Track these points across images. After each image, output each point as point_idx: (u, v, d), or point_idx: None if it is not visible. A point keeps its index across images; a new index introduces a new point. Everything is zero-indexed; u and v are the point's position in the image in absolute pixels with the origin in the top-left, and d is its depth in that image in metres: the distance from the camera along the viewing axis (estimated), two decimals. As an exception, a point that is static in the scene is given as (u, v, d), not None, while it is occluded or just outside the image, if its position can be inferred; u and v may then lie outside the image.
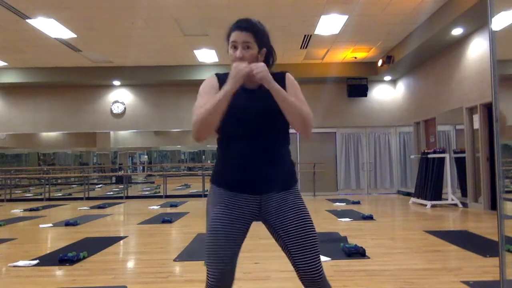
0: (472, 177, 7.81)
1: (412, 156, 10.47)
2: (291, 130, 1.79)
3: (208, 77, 1.78)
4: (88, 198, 11.27)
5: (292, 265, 1.71)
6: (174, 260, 4.01)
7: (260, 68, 1.59)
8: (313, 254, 1.66)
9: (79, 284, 3.30)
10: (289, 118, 1.65)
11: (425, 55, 9.10)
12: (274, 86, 1.60)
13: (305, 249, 1.66)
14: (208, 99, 1.62)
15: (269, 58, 1.79)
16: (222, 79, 1.72)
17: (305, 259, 1.65)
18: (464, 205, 7.95)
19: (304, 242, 1.66)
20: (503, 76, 2.23)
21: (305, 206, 1.72)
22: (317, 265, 1.67)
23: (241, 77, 1.59)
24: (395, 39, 9.03)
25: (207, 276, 1.63)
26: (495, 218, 2.28)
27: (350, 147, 11.62)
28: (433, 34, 7.65)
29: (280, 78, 1.74)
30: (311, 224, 1.69)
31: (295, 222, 1.67)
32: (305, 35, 8.64)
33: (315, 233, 1.70)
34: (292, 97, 1.65)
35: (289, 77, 1.77)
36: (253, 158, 1.67)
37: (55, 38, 8.43)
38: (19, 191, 13.11)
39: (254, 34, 1.69)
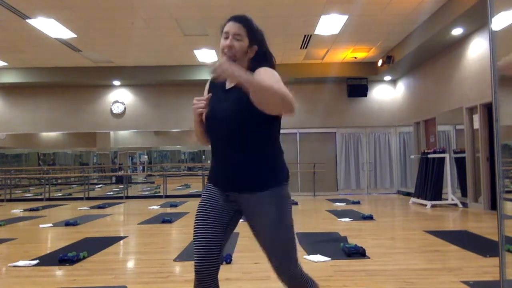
0: (472, 177, 7.81)
1: (412, 156, 10.47)
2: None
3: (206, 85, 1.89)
4: (88, 198, 11.27)
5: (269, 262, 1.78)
6: (174, 260, 4.01)
7: (219, 68, 1.52)
8: (278, 260, 1.72)
9: (79, 284, 3.30)
10: (269, 106, 1.58)
11: (425, 55, 9.10)
12: (240, 78, 1.52)
13: (271, 255, 1.72)
14: None
15: (261, 60, 1.76)
16: (213, 83, 1.83)
17: (273, 264, 1.73)
18: (464, 205, 7.95)
19: (270, 249, 1.72)
20: (503, 76, 2.23)
21: (278, 209, 1.70)
22: (282, 268, 1.73)
23: (196, 113, 1.76)
24: (395, 39, 9.03)
25: (194, 262, 1.71)
26: (495, 218, 2.28)
27: (350, 147, 11.62)
28: (433, 34, 7.65)
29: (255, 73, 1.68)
30: (281, 225, 1.70)
31: (265, 223, 1.71)
32: (305, 35, 8.64)
33: (285, 232, 1.72)
34: (263, 80, 1.57)
35: (259, 70, 1.70)
36: (224, 158, 1.73)
37: (55, 38, 8.43)
38: (19, 191, 13.11)
39: (247, 28, 1.73)
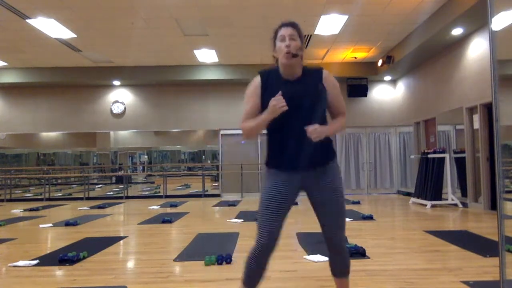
0: (472, 177, 7.81)
1: (412, 156, 10.47)
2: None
3: (254, 79, 2.14)
4: (88, 198, 11.27)
5: (323, 233, 2.17)
6: (174, 260, 4.01)
7: (315, 133, 1.94)
8: (339, 224, 2.15)
9: (79, 284, 3.30)
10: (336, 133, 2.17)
11: (425, 55, 9.10)
12: (328, 132, 2.03)
13: (333, 220, 2.14)
14: (252, 108, 2.07)
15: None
16: (265, 75, 2.11)
17: (334, 230, 2.14)
18: (464, 205, 7.95)
19: (334, 215, 2.13)
20: (503, 76, 2.23)
21: (339, 182, 2.13)
22: (342, 234, 2.17)
23: (277, 113, 1.95)
24: (395, 39, 9.03)
25: (258, 238, 2.03)
26: (495, 218, 2.28)
27: (350, 147, 11.62)
28: (433, 34, 7.65)
29: (316, 74, 2.12)
30: (341, 199, 2.13)
31: (329, 197, 2.10)
32: (305, 35, 8.63)
33: (343, 207, 2.15)
34: (339, 122, 2.15)
35: (328, 77, 2.13)
36: (297, 142, 2.03)
37: (55, 38, 8.43)
38: (19, 191, 13.11)
39: (298, 31, 2.09)
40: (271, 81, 2.08)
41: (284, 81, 2.06)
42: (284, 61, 2.04)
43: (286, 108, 1.94)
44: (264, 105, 2.03)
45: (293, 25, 2.06)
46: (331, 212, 2.11)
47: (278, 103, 1.94)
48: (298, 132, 1.98)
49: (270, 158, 2.12)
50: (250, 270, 2.06)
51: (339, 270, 2.24)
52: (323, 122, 2.06)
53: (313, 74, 2.11)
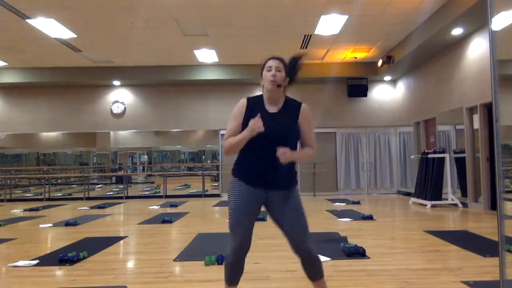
0: (472, 177, 7.81)
1: (412, 156, 10.47)
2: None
3: (240, 101, 2.39)
4: (88, 198, 11.27)
5: (287, 239, 2.33)
6: (174, 260, 4.01)
7: (284, 156, 2.19)
8: (304, 235, 2.30)
9: (79, 284, 3.30)
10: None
11: (425, 55, 9.10)
12: (295, 158, 2.27)
13: (295, 227, 2.30)
14: (235, 127, 2.32)
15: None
16: (251, 101, 2.37)
17: (299, 239, 2.30)
18: (464, 205, 7.95)
19: (296, 220, 2.31)
20: (503, 76, 2.23)
21: (299, 200, 2.37)
22: (306, 242, 2.30)
23: (255, 132, 2.19)
24: (395, 39, 9.03)
25: (232, 241, 2.28)
26: (495, 218, 2.28)
27: (350, 147, 11.62)
28: (433, 34, 7.65)
29: (295, 107, 2.37)
30: (302, 210, 2.35)
31: (290, 209, 2.32)
32: (305, 35, 8.64)
33: (304, 216, 2.34)
34: (304, 152, 2.36)
35: (305, 110, 2.37)
36: (267, 167, 2.28)
37: (55, 38, 8.43)
38: (19, 191, 13.11)
39: (283, 64, 2.36)
40: (256, 108, 2.33)
41: (266, 112, 2.32)
42: (269, 87, 2.30)
43: (262, 129, 2.18)
44: (245, 124, 2.27)
45: (280, 59, 2.36)
46: (295, 218, 2.31)
47: (256, 123, 2.18)
48: (269, 157, 2.23)
49: (240, 171, 2.37)
50: (230, 271, 2.34)
51: (313, 271, 2.36)
52: (294, 150, 2.30)
53: (293, 108, 2.36)
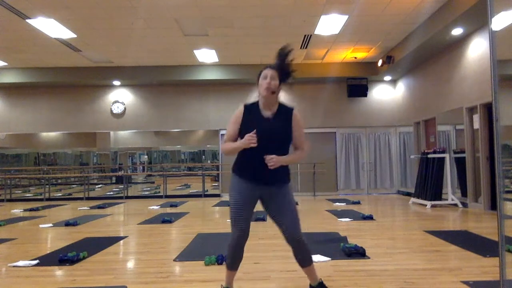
0: (472, 177, 7.81)
1: (412, 156, 10.47)
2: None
3: (238, 108, 2.67)
4: (88, 198, 11.27)
5: (280, 231, 2.65)
6: (174, 260, 4.01)
7: (273, 162, 2.50)
8: (296, 226, 2.61)
9: (79, 284, 3.30)
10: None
11: (425, 55, 9.10)
12: (284, 162, 2.57)
13: (287, 220, 2.60)
14: (233, 133, 2.63)
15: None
16: (248, 108, 2.66)
17: (290, 230, 2.60)
18: (464, 205, 7.95)
19: (289, 213, 2.61)
20: (503, 76, 2.23)
21: (291, 196, 2.67)
22: (297, 233, 2.61)
23: (248, 145, 2.48)
24: (395, 39, 9.03)
25: (232, 232, 2.60)
26: (495, 218, 2.29)
27: (350, 147, 11.62)
28: (433, 34, 7.65)
29: (288, 111, 2.65)
30: (293, 205, 2.66)
31: (282, 204, 2.63)
32: (305, 35, 8.64)
33: (295, 211, 2.65)
34: (294, 155, 2.65)
35: (296, 116, 2.64)
36: (262, 166, 2.53)
37: (55, 38, 8.43)
38: (19, 191, 13.11)
39: (277, 74, 2.60)
40: (252, 113, 2.63)
41: (261, 117, 2.61)
42: (264, 94, 2.57)
43: (255, 145, 2.46)
44: (241, 130, 2.60)
45: (275, 68, 2.61)
46: (288, 211, 2.60)
47: (251, 139, 2.46)
48: (263, 156, 2.51)
49: (239, 169, 2.67)
50: (231, 257, 2.66)
51: (304, 259, 2.68)
52: (285, 152, 2.60)
53: (286, 113, 2.63)
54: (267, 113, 2.62)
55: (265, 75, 2.60)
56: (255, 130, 2.49)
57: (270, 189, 2.62)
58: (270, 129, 2.56)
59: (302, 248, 2.63)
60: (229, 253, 2.66)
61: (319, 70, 10.94)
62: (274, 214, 2.63)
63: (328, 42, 9.11)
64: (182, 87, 11.63)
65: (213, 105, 11.66)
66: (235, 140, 2.65)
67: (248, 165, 2.62)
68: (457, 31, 7.52)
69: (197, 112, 11.67)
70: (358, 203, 9.06)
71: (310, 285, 2.81)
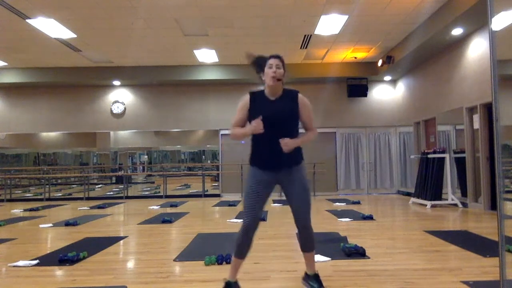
0: (472, 177, 7.81)
1: (412, 156, 10.47)
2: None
3: (244, 96, 2.81)
4: (88, 198, 11.27)
5: (292, 214, 2.79)
6: (174, 260, 4.01)
7: (287, 146, 2.60)
8: (305, 208, 2.76)
9: (79, 284, 3.30)
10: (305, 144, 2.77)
11: (425, 55, 9.10)
12: (297, 144, 2.68)
13: (300, 207, 2.76)
14: (240, 119, 2.78)
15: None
16: (254, 95, 2.79)
17: (302, 215, 2.77)
18: (464, 205, 7.95)
19: (301, 202, 2.76)
20: (503, 76, 2.23)
21: (305, 178, 2.79)
22: (307, 218, 2.78)
23: (255, 131, 2.59)
24: (395, 39, 9.03)
25: (244, 219, 2.71)
26: (495, 218, 2.29)
27: (350, 147, 11.62)
28: (433, 34, 7.65)
29: (292, 95, 2.77)
30: (307, 190, 2.78)
31: (297, 189, 2.76)
32: (305, 35, 8.64)
33: (308, 197, 2.79)
34: (306, 136, 2.77)
35: (302, 98, 2.78)
36: (273, 148, 2.64)
37: (55, 38, 8.43)
38: (19, 191, 13.11)
39: (282, 62, 2.77)
40: (258, 99, 2.77)
41: (268, 101, 2.75)
42: (270, 83, 2.70)
43: (262, 131, 2.57)
44: (250, 115, 2.72)
45: (279, 57, 2.76)
46: (300, 199, 2.74)
47: (257, 125, 2.57)
48: (275, 141, 2.61)
49: (253, 158, 2.79)
50: (240, 245, 2.73)
51: (307, 244, 2.85)
52: (296, 133, 2.71)
53: (290, 96, 2.77)
54: (273, 98, 2.77)
55: (270, 65, 2.73)
56: (261, 117, 2.60)
57: (286, 172, 2.74)
58: (278, 111, 2.69)
59: (307, 234, 2.80)
60: (237, 239, 2.75)
61: (319, 70, 10.94)
62: (291, 198, 2.77)
63: (328, 42, 9.11)
64: (182, 87, 11.64)
65: (213, 105, 11.66)
66: (243, 126, 2.78)
67: (262, 153, 2.75)
68: (457, 31, 7.52)
69: (197, 112, 11.68)
70: (358, 203, 9.06)
71: (306, 273, 2.96)
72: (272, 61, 2.73)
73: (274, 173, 2.74)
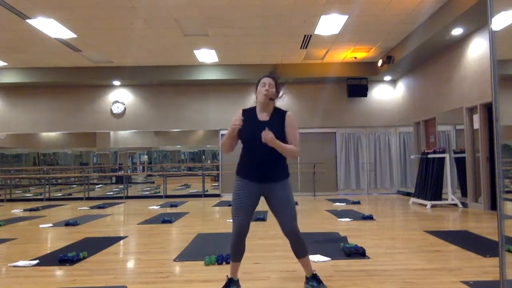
0: (472, 177, 7.81)
1: (412, 156, 10.47)
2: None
3: (237, 112, 2.91)
4: (88, 198, 11.27)
5: (279, 224, 2.89)
6: (174, 260, 4.01)
7: (268, 137, 2.68)
8: (292, 220, 2.85)
9: (79, 284, 3.30)
10: (283, 154, 2.82)
11: (425, 55, 9.10)
12: (276, 145, 2.72)
13: (288, 217, 2.85)
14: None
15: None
16: (245, 112, 2.90)
17: (288, 224, 2.85)
18: (464, 205, 7.95)
19: (284, 215, 2.85)
20: (503, 76, 2.23)
21: (288, 192, 2.87)
22: (293, 226, 2.86)
23: (234, 130, 2.77)
24: (395, 39, 9.03)
25: (233, 226, 2.87)
26: (495, 218, 2.29)
27: (350, 147, 11.62)
28: (433, 34, 7.65)
29: (281, 115, 2.87)
30: (290, 201, 2.87)
31: (280, 201, 2.86)
32: (305, 35, 8.64)
33: (292, 206, 2.88)
34: (287, 146, 2.77)
35: (289, 117, 2.87)
36: (260, 164, 2.82)
37: (55, 38, 8.43)
38: (19, 191, 13.10)
39: (275, 82, 2.89)
40: (249, 117, 2.86)
41: (258, 121, 2.85)
42: (262, 101, 2.83)
43: (239, 126, 2.74)
44: (240, 132, 2.80)
45: (273, 77, 2.88)
46: (285, 211, 2.83)
47: (235, 121, 2.75)
48: (261, 156, 2.79)
49: (240, 170, 2.92)
50: (234, 251, 2.89)
51: (300, 251, 2.91)
52: (280, 154, 2.78)
53: (280, 116, 2.86)
54: (263, 117, 2.87)
55: (263, 83, 2.85)
56: (241, 115, 2.82)
57: (270, 186, 2.84)
58: (263, 130, 2.75)
59: (298, 241, 2.88)
60: (230, 246, 2.90)
61: (319, 70, 10.94)
62: (274, 209, 2.87)
63: (328, 42, 9.11)
64: (182, 87, 11.63)
65: (213, 105, 11.66)
66: (234, 140, 2.90)
67: (248, 165, 2.87)
68: (457, 31, 7.52)
69: (197, 112, 11.67)
70: (358, 203, 9.06)
71: (306, 277, 3.01)
72: (265, 80, 2.85)
73: (260, 186, 2.85)
